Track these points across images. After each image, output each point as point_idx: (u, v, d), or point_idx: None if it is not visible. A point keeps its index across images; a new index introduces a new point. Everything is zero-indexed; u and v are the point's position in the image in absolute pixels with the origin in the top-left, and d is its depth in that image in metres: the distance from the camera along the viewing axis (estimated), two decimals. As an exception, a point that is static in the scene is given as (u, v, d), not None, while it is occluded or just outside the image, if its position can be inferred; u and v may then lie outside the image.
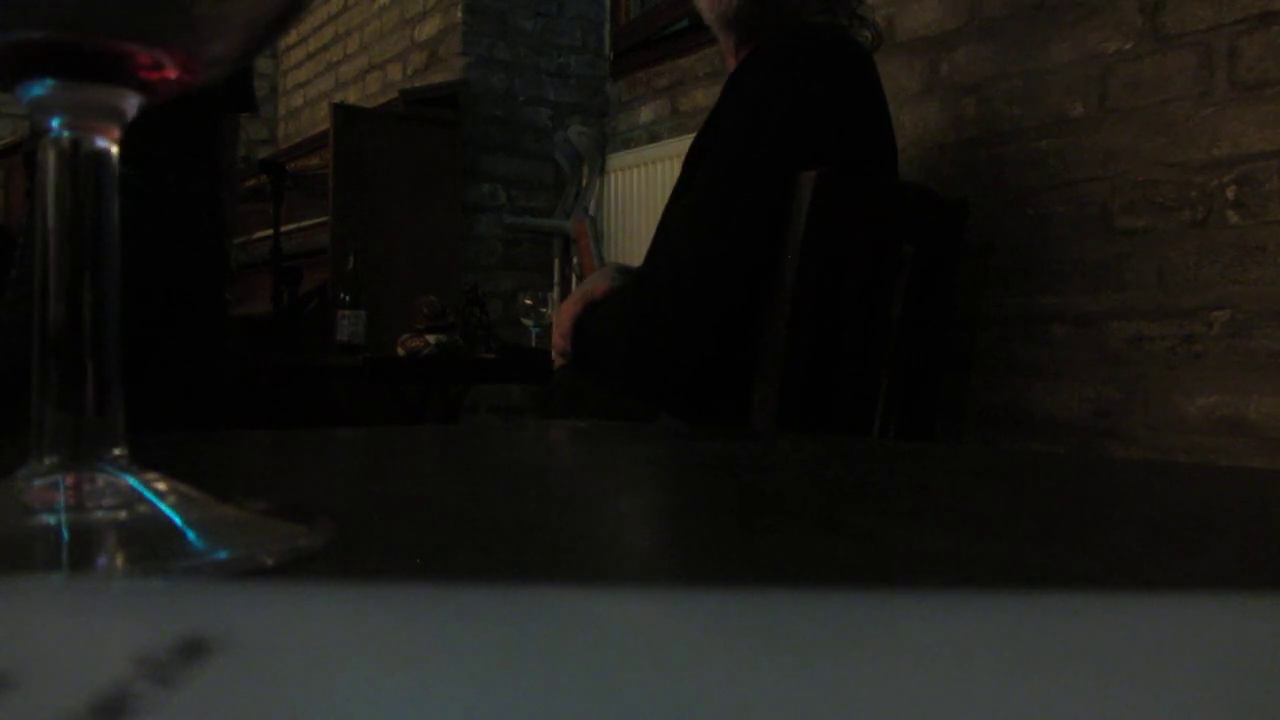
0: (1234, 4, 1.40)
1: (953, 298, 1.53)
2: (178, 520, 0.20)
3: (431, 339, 2.21)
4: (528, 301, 2.43)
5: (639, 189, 2.91)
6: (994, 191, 1.69)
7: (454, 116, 3.00)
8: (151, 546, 0.20)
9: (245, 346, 2.48)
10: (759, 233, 1.21)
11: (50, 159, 0.21)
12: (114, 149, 0.22)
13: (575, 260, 3.01)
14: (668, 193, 1.43)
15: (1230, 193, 1.41)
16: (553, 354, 1.45)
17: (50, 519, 0.20)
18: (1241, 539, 0.27)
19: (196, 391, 1.39)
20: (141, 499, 0.21)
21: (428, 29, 3.25)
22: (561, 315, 1.40)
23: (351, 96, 3.62)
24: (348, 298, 2.36)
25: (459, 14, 3.08)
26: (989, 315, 1.70)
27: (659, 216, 1.37)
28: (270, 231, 2.61)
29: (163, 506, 0.21)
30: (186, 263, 1.36)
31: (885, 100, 1.36)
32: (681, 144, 2.05)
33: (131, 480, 0.21)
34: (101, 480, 0.20)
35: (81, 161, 0.21)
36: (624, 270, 1.42)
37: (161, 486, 0.21)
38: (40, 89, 0.21)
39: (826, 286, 1.24)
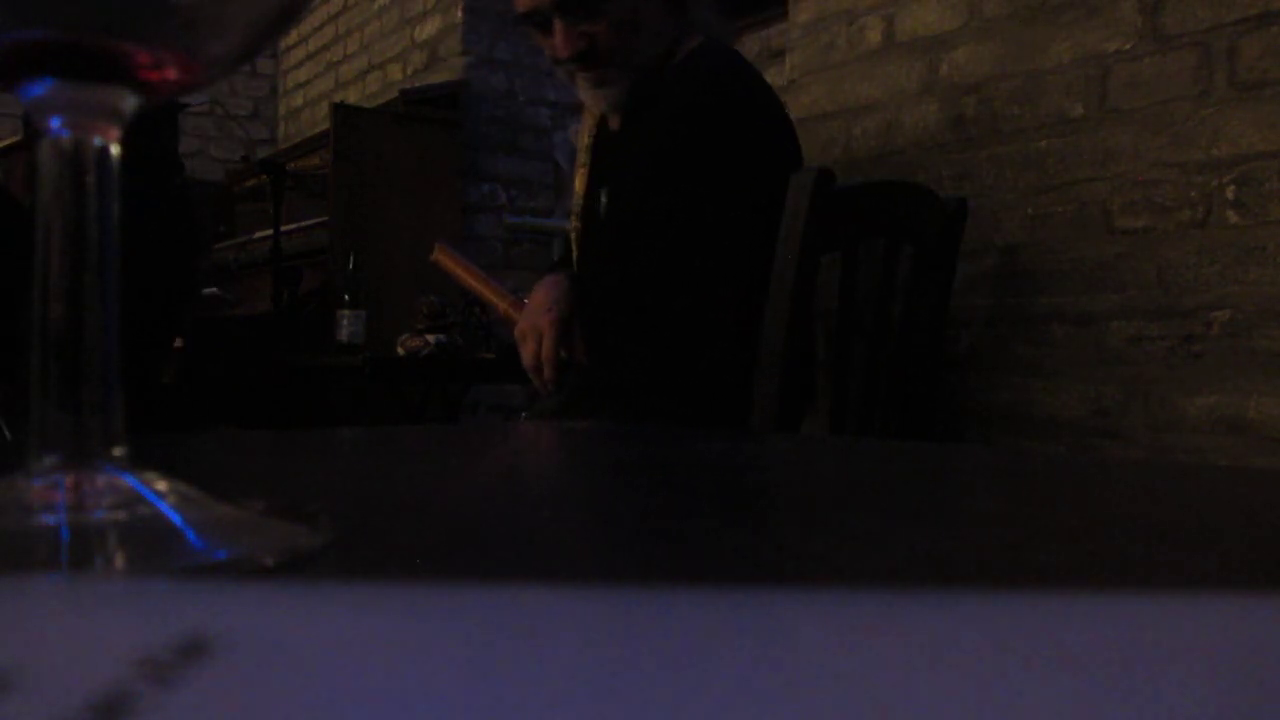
0: (1234, 4, 1.40)
1: (952, 298, 1.53)
2: (178, 520, 0.20)
3: (431, 339, 2.21)
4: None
5: (639, 189, 2.90)
6: (994, 191, 1.69)
7: (454, 116, 2.99)
8: (151, 546, 0.20)
9: (245, 346, 2.48)
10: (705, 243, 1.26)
11: (50, 159, 0.21)
12: (114, 149, 0.22)
13: None
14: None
15: (1230, 193, 1.41)
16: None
17: (50, 519, 0.20)
18: (1241, 539, 0.27)
19: (180, 393, 1.39)
20: (141, 499, 0.21)
21: (428, 29, 3.25)
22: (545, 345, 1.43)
23: (351, 96, 3.62)
24: (348, 298, 2.36)
25: (459, 14, 3.07)
26: (988, 315, 1.70)
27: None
28: (270, 231, 2.61)
29: (163, 506, 0.21)
30: (160, 259, 1.36)
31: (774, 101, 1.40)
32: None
33: (131, 480, 0.21)
34: (101, 480, 0.20)
35: (81, 161, 0.21)
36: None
37: (161, 486, 0.21)
38: (40, 89, 0.21)
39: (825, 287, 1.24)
